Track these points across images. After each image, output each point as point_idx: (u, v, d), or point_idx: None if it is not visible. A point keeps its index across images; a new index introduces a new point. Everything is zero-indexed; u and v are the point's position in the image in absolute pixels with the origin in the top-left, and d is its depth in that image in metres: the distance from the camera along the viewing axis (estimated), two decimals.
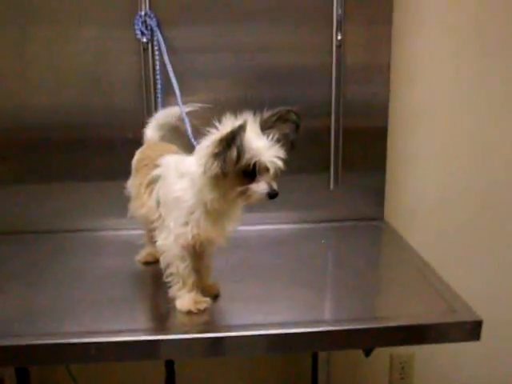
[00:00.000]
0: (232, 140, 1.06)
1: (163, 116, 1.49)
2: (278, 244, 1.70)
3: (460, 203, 1.95)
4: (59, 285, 1.42)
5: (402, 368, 2.08)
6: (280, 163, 1.11)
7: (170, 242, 1.20)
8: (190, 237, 1.18)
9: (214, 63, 1.71)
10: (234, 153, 1.06)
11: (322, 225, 1.81)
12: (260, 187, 1.10)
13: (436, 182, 1.93)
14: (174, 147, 1.38)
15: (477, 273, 2.00)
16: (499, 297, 2.03)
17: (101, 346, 1.14)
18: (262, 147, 1.11)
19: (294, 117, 1.15)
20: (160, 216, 1.25)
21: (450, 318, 1.21)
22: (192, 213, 1.17)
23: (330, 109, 1.75)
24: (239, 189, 1.10)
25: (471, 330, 1.18)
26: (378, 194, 1.83)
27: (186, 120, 1.42)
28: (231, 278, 1.40)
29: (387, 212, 1.86)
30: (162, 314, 1.30)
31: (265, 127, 1.13)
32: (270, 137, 1.12)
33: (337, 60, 1.72)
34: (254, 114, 1.15)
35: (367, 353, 1.35)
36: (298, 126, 1.15)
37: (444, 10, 1.80)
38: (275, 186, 1.11)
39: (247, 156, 1.08)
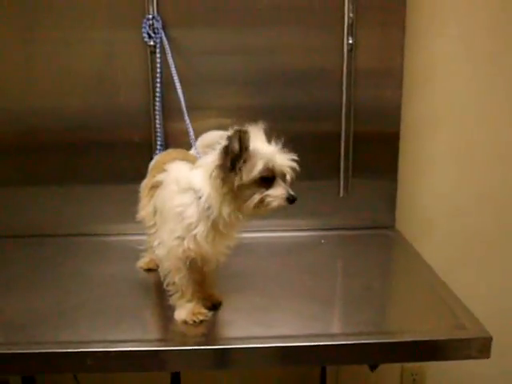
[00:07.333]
0: (238, 146, 1.04)
1: (209, 139, 1.35)
2: (285, 252, 1.66)
3: (475, 212, 1.88)
4: (61, 290, 1.39)
5: (414, 380, 2.02)
6: (296, 166, 1.09)
7: (164, 253, 1.17)
8: (180, 251, 1.14)
9: (222, 66, 1.68)
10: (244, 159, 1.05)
11: (331, 233, 1.76)
12: (278, 192, 1.07)
13: (450, 190, 1.87)
14: (192, 156, 1.34)
15: (491, 285, 1.94)
16: None
17: (96, 356, 1.11)
18: (274, 152, 1.08)
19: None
20: (155, 224, 1.22)
21: (458, 335, 1.16)
22: (191, 229, 1.13)
23: (340, 113, 1.70)
24: (257, 197, 1.07)
25: (481, 348, 1.12)
26: (389, 202, 1.78)
27: (190, 130, 1.39)
28: (235, 287, 1.37)
29: (398, 220, 1.80)
30: (162, 324, 1.27)
31: None
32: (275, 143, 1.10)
33: (348, 63, 1.68)
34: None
35: (372, 368, 1.31)
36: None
37: (459, 13, 1.74)
38: (292, 191, 1.08)
39: (264, 161, 1.05)
